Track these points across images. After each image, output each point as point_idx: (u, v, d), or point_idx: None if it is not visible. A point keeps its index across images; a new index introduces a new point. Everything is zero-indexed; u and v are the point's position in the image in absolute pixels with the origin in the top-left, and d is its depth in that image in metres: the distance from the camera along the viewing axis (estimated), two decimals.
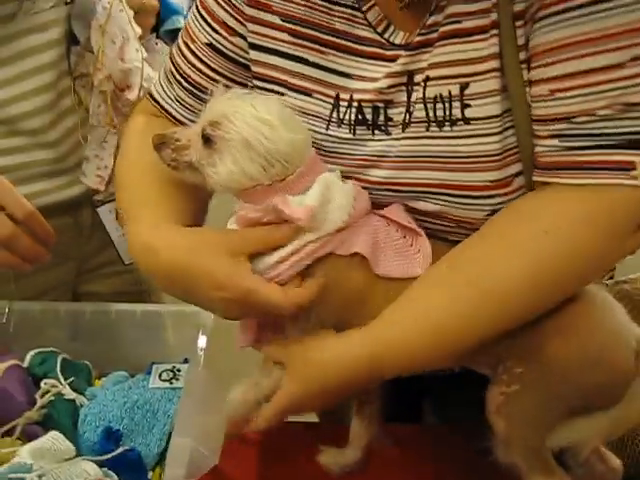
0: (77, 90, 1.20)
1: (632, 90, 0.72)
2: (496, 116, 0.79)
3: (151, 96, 1.02)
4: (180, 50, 0.97)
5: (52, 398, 0.92)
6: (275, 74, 0.89)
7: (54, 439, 0.80)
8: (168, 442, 0.89)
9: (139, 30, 1.18)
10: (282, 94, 0.89)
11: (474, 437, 0.93)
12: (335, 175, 0.84)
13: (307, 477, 0.94)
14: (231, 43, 0.92)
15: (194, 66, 0.95)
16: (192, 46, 0.95)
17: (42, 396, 0.91)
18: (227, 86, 0.89)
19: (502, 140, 0.79)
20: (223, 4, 0.91)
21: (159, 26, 1.44)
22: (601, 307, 0.81)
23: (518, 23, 0.75)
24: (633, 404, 0.80)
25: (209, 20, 0.93)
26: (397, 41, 0.83)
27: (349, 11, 0.85)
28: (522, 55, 0.76)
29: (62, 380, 0.94)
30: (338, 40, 0.86)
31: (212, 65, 0.94)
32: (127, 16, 1.18)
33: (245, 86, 0.93)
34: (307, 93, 0.88)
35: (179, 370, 0.97)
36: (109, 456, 0.80)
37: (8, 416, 0.87)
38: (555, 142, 0.76)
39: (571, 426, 0.80)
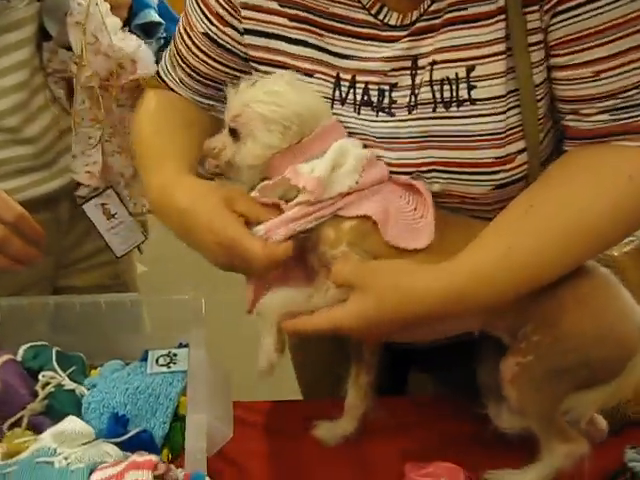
0: (50, 86, 1.20)
1: None
2: (501, 97, 0.84)
3: (159, 75, 1.09)
4: (181, 35, 1.03)
5: (52, 390, 0.92)
6: (276, 57, 0.93)
7: (74, 423, 0.81)
8: (172, 425, 0.92)
9: (119, 21, 1.18)
10: None
11: (464, 407, 0.99)
12: (352, 142, 0.88)
13: (308, 450, 0.97)
14: (224, 33, 0.97)
15: (193, 53, 1.01)
16: (191, 34, 1.00)
17: (43, 388, 0.92)
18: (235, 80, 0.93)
19: (506, 119, 0.85)
20: None
21: (130, 20, 1.46)
22: (613, 286, 0.87)
23: (528, 9, 0.81)
24: (628, 379, 0.85)
25: (205, 11, 0.97)
26: (392, 22, 0.88)
27: None
28: (531, 39, 0.82)
29: (60, 371, 0.95)
30: (335, 23, 0.90)
31: (209, 53, 0.99)
32: (104, 9, 1.18)
33: (242, 73, 0.98)
34: (308, 74, 0.92)
35: (175, 355, 0.98)
36: (124, 438, 0.82)
37: (12, 409, 0.88)
38: (605, 117, 0.83)
39: (573, 397, 0.85)
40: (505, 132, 0.85)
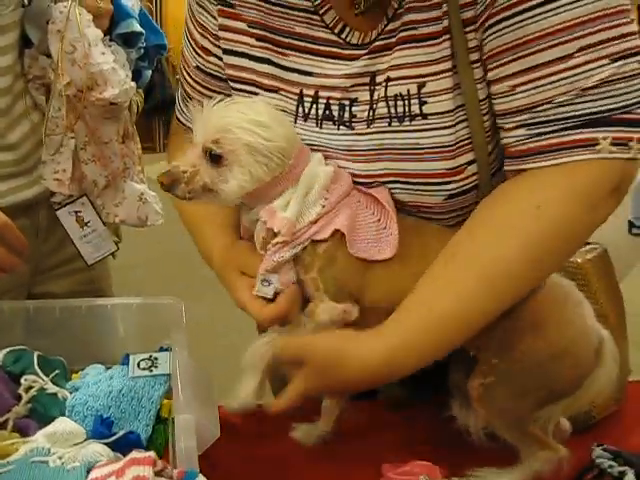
0: (31, 93, 1.20)
1: (583, 76, 0.81)
2: (449, 111, 0.89)
3: (176, 117, 1.13)
4: (182, 74, 1.09)
5: (35, 393, 0.93)
6: (246, 75, 0.98)
7: (65, 424, 0.81)
8: (154, 427, 0.93)
9: (100, 33, 1.19)
10: (256, 94, 0.97)
11: (436, 409, 1.02)
12: (318, 161, 0.91)
13: (289, 452, 0.99)
14: (209, 62, 1.02)
15: (193, 87, 1.07)
16: (188, 70, 1.07)
17: (26, 391, 0.92)
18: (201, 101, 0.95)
19: (455, 132, 0.89)
20: (200, 30, 1.01)
21: (112, 29, 1.47)
22: (571, 304, 0.89)
23: (468, 29, 0.86)
24: (586, 394, 0.89)
25: (193, 45, 1.04)
26: (353, 41, 0.92)
27: (307, 15, 0.93)
28: (473, 56, 0.87)
29: (42, 375, 0.95)
30: (298, 42, 0.94)
31: (203, 84, 1.05)
32: (86, 20, 1.19)
33: None
34: (274, 90, 0.96)
35: (156, 358, 1.00)
36: (113, 439, 0.83)
37: None
38: (522, 131, 0.85)
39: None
40: (455, 145, 0.89)
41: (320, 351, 0.87)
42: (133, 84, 1.31)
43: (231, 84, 0.99)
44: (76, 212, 1.30)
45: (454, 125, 0.89)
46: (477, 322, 0.84)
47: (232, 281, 0.94)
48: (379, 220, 0.91)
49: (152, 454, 0.67)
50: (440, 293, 0.85)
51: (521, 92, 0.84)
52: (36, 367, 0.97)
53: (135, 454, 0.68)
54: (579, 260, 1.04)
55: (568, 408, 0.91)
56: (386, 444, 1.01)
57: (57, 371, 0.96)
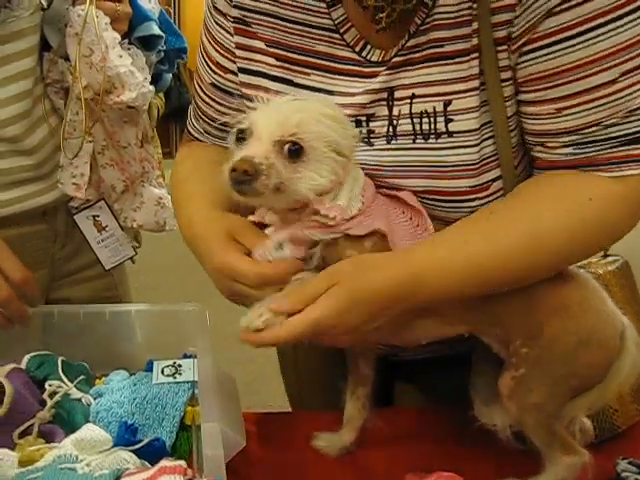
0: (50, 97, 1.21)
1: (628, 98, 0.82)
2: (476, 129, 0.88)
3: (188, 131, 1.13)
4: (196, 90, 1.08)
5: (59, 398, 0.93)
6: (263, 94, 0.94)
7: (92, 431, 0.81)
8: (178, 435, 0.93)
9: (118, 36, 1.19)
10: None
11: (458, 416, 1.02)
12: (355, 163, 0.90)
13: (311, 460, 0.99)
14: (226, 80, 1.01)
15: (207, 103, 1.06)
16: (202, 86, 1.06)
17: (50, 396, 0.92)
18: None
19: (480, 150, 0.88)
20: (216, 47, 1.01)
21: (130, 32, 1.47)
22: (592, 291, 0.90)
23: (500, 48, 0.85)
24: (612, 382, 0.88)
25: (208, 62, 1.03)
26: (374, 59, 0.92)
27: (328, 34, 0.93)
28: (503, 75, 0.86)
29: (66, 381, 0.95)
30: (319, 61, 0.94)
31: (218, 100, 1.04)
32: (104, 23, 1.19)
33: None
34: None
35: (180, 365, 1.00)
36: (139, 446, 0.83)
37: (22, 417, 0.88)
38: (569, 150, 0.86)
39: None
40: (480, 162, 0.89)
41: (350, 262, 0.84)
42: (152, 87, 1.30)
43: (247, 103, 0.95)
44: (94, 216, 1.30)
45: (480, 143, 0.88)
46: (503, 272, 0.85)
47: (218, 244, 0.88)
48: (411, 219, 0.90)
49: (182, 463, 0.67)
50: (479, 232, 0.86)
51: (568, 115, 0.85)
52: (60, 372, 0.97)
53: (165, 462, 0.68)
54: (600, 271, 1.03)
55: (594, 402, 0.91)
56: (409, 454, 1.01)
57: (82, 377, 0.96)
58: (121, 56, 1.18)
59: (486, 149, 0.89)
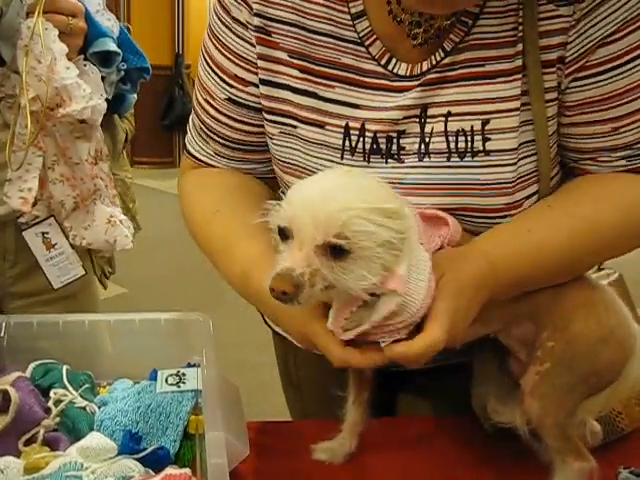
0: (2, 112, 1.20)
1: None
2: (513, 149, 0.89)
3: (190, 154, 1.07)
4: (203, 108, 1.03)
5: (64, 407, 0.93)
6: (287, 108, 0.95)
7: (97, 439, 0.82)
8: (182, 443, 0.93)
9: (66, 47, 1.19)
10: (294, 127, 0.95)
11: (461, 425, 1.03)
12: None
13: (312, 470, 0.99)
14: (247, 93, 0.98)
15: (221, 122, 1.01)
16: (214, 103, 1.01)
17: (55, 405, 0.93)
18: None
19: (517, 169, 0.90)
20: (233, 59, 0.97)
21: (86, 48, 1.46)
22: (610, 294, 0.94)
23: (547, 70, 0.87)
24: (625, 381, 0.92)
25: (222, 76, 0.99)
26: (401, 72, 0.91)
27: (353, 46, 0.92)
28: (547, 96, 0.88)
29: (71, 389, 0.96)
30: (345, 74, 0.92)
31: (237, 117, 1.00)
32: (52, 35, 1.18)
33: None
34: (319, 125, 0.94)
35: (184, 374, 1.00)
36: (143, 454, 0.83)
37: (27, 425, 0.89)
38: (622, 162, 0.92)
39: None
40: (515, 180, 0.90)
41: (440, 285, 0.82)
42: (102, 102, 1.28)
43: (266, 116, 0.97)
44: (43, 233, 1.28)
45: (516, 162, 0.90)
46: (572, 259, 0.89)
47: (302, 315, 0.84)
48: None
49: (188, 471, 0.67)
50: (539, 224, 0.88)
51: (624, 132, 0.89)
52: (65, 381, 0.97)
53: (170, 470, 0.68)
54: (604, 282, 1.04)
55: (606, 401, 0.94)
56: (411, 463, 1.01)
57: (87, 385, 0.97)
58: (68, 68, 1.18)
59: (522, 167, 0.90)
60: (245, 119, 1.00)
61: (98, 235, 1.35)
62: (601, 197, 0.91)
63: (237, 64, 0.97)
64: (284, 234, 0.78)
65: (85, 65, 1.28)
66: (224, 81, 0.99)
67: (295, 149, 0.96)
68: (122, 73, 1.42)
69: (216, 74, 0.99)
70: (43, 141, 1.26)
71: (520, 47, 0.86)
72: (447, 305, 0.80)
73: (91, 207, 1.35)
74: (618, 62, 0.86)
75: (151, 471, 0.81)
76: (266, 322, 1.22)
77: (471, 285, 0.82)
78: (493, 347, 1.00)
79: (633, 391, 1.02)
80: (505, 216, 0.91)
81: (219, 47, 0.98)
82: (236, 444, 0.84)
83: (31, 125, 1.19)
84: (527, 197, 0.92)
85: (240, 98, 0.99)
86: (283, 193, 0.86)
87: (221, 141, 1.03)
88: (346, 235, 0.74)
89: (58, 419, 0.92)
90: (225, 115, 1.01)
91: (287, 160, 0.97)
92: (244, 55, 0.96)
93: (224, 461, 0.76)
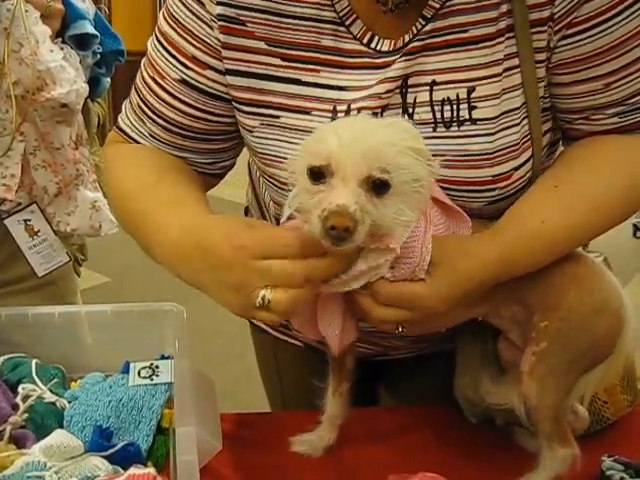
0: None
1: None
2: (496, 117, 0.87)
3: (121, 130, 1.02)
4: (148, 86, 0.98)
5: (32, 402, 0.90)
6: (267, 98, 0.91)
7: (62, 437, 0.79)
8: (155, 438, 0.91)
9: (49, 30, 1.15)
10: (276, 117, 0.91)
11: (440, 415, 1.01)
12: None
13: (291, 462, 0.97)
14: (204, 77, 0.94)
15: (167, 103, 0.96)
16: (162, 82, 0.96)
17: (23, 400, 0.90)
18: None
19: (504, 137, 0.87)
20: (191, 40, 0.93)
21: (64, 31, 1.43)
22: (600, 266, 0.93)
23: (535, 29, 0.84)
24: (619, 354, 0.91)
25: (177, 56, 0.94)
26: (384, 48, 0.89)
27: (333, 27, 0.89)
28: (539, 56, 0.86)
29: (40, 384, 0.93)
30: (327, 56, 0.89)
31: (187, 100, 0.96)
32: (34, 17, 1.15)
33: (222, 117, 0.96)
34: (305, 112, 0.90)
35: (157, 366, 0.97)
36: (112, 451, 0.81)
37: None
38: (615, 119, 0.91)
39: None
40: (504, 149, 0.88)
41: (444, 244, 0.83)
42: (85, 85, 1.26)
43: (242, 108, 0.93)
44: (25, 221, 1.26)
45: (503, 130, 0.88)
46: (579, 242, 0.91)
47: (240, 225, 0.81)
48: (444, 222, 0.87)
49: (152, 470, 0.65)
50: (551, 211, 0.88)
51: (615, 88, 0.88)
52: (34, 375, 0.94)
53: (134, 470, 0.66)
54: None
55: (601, 376, 0.93)
56: (392, 454, 1.00)
57: (56, 380, 0.94)
58: (52, 51, 1.15)
59: (510, 137, 0.88)
60: (195, 103, 0.96)
61: (83, 220, 1.33)
62: (605, 169, 0.91)
63: (196, 46, 0.93)
64: (318, 174, 0.76)
65: (63, 48, 1.25)
66: (179, 61, 0.94)
67: (279, 139, 0.92)
68: (98, 56, 1.40)
69: (170, 53, 0.95)
70: (23, 126, 1.22)
71: (504, 8, 0.84)
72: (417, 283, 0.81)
73: (73, 192, 1.33)
74: (603, 17, 0.84)
75: (120, 469, 0.78)
76: None
77: (466, 281, 0.83)
78: (476, 334, 0.99)
79: (617, 378, 1.01)
80: (493, 189, 0.88)
81: (175, 26, 0.94)
82: (208, 439, 0.81)
83: (14, 111, 1.17)
84: (517, 167, 0.89)
85: (195, 81, 0.94)
86: (273, 185, 0.83)
87: (162, 123, 0.98)
88: (389, 170, 0.74)
89: (26, 415, 0.89)
90: (173, 97, 0.96)
91: (270, 152, 0.93)
92: (203, 37, 0.92)
93: (194, 458, 0.74)
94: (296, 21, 0.89)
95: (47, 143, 1.25)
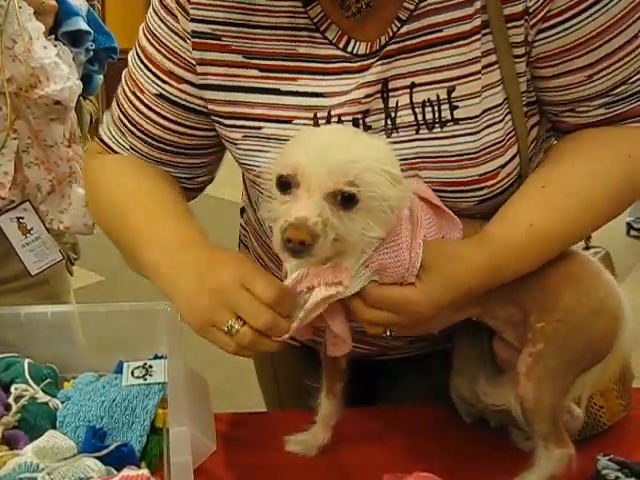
0: None
1: None
2: (477, 116, 0.86)
3: (102, 141, 1.02)
4: (128, 99, 0.98)
5: (25, 402, 0.90)
6: (247, 110, 0.91)
7: (55, 438, 0.79)
8: (148, 438, 0.90)
9: (42, 27, 1.15)
10: (259, 128, 0.90)
11: (436, 416, 1.00)
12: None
13: (285, 461, 0.96)
14: (180, 91, 0.94)
15: (146, 116, 0.96)
16: (142, 97, 0.96)
17: (16, 401, 0.89)
18: None
19: (487, 135, 0.86)
20: (166, 54, 0.93)
21: (57, 28, 1.43)
22: (596, 266, 0.92)
23: (511, 24, 0.83)
24: (616, 353, 0.90)
25: (155, 71, 0.94)
26: (361, 51, 0.88)
27: (308, 34, 0.88)
28: (517, 51, 0.85)
29: (33, 384, 0.92)
30: (304, 64, 0.89)
31: (165, 114, 0.95)
32: (27, 13, 1.14)
33: (200, 131, 0.96)
34: (287, 121, 0.90)
35: (151, 366, 0.97)
36: (104, 452, 0.80)
37: None
38: (601, 111, 0.89)
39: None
40: (488, 147, 0.87)
41: (435, 249, 0.81)
42: (79, 83, 1.26)
43: (224, 121, 0.92)
44: (18, 219, 1.25)
45: (486, 128, 0.87)
46: (570, 241, 0.89)
47: (225, 262, 0.82)
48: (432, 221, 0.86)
49: (145, 472, 0.65)
50: (538, 213, 0.87)
51: (598, 79, 0.87)
52: (27, 375, 0.94)
53: (127, 471, 0.65)
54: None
55: (599, 375, 0.92)
56: (386, 453, 0.99)
57: (48, 380, 0.93)
58: (45, 47, 1.14)
59: (494, 134, 0.87)
60: (174, 117, 0.96)
61: (76, 218, 1.32)
62: (595, 164, 0.89)
63: (172, 60, 0.93)
64: (285, 184, 0.75)
65: (56, 45, 1.24)
66: (157, 76, 0.94)
67: (262, 150, 0.91)
68: (91, 53, 1.39)
69: (148, 68, 0.95)
70: (16, 123, 1.22)
71: (478, 5, 0.83)
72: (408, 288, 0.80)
73: (67, 190, 1.32)
74: (578, 9, 0.83)
75: (113, 470, 0.78)
76: None
77: (457, 286, 0.82)
78: (473, 334, 0.98)
79: (613, 380, 1.00)
80: (481, 188, 0.88)
81: (153, 41, 0.94)
82: (202, 439, 0.81)
83: (5, 107, 1.16)
84: (503, 165, 0.88)
85: (172, 95, 0.94)
86: (261, 194, 0.85)
87: (142, 136, 0.98)
88: (357, 184, 0.73)
89: (19, 416, 0.88)
90: (153, 111, 0.96)
91: (255, 163, 0.92)
92: (178, 51, 0.92)
93: (188, 458, 0.73)
94: (271, 31, 0.89)
95: (40, 140, 1.24)
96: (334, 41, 0.88)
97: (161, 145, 0.98)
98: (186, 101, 0.94)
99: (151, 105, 0.96)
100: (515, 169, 0.90)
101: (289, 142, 0.80)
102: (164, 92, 0.94)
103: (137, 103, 0.97)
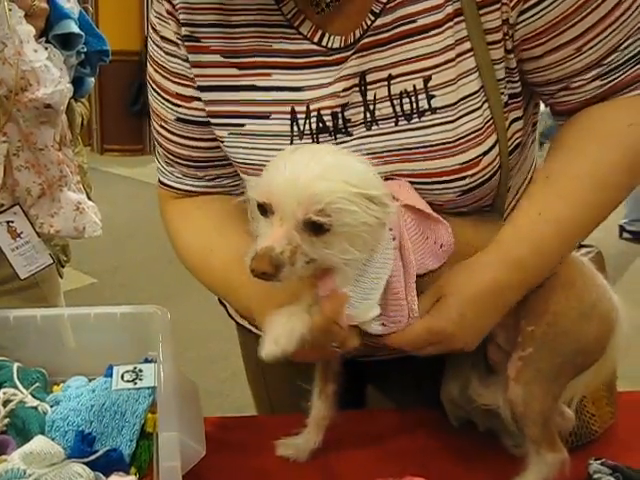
0: None
1: (634, 15, 0.85)
2: (454, 103, 0.86)
3: (163, 184, 1.05)
4: (160, 134, 1.02)
5: (14, 407, 0.89)
6: (230, 108, 0.93)
7: (43, 443, 0.78)
8: (138, 443, 0.90)
9: (33, 30, 1.14)
10: (241, 125, 0.93)
11: (427, 419, 1.00)
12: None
13: (276, 465, 0.96)
14: (191, 109, 0.97)
15: (177, 143, 1.00)
16: (167, 126, 1.00)
17: (4, 405, 0.89)
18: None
19: (466, 123, 0.86)
20: (172, 78, 0.96)
21: (48, 30, 1.42)
22: (589, 268, 0.92)
23: (483, 11, 0.83)
24: (610, 356, 0.90)
25: (166, 97, 0.98)
26: (335, 45, 0.89)
27: (282, 30, 0.90)
28: (491, 38, 0.85)
29: (22, 388, 0.92)
30: (278, 59, 0.91)
31: (189, 135, 0.99)
32: (18, 16, 1.14)
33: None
34: (265, 116, 0.92)
35: (141, 370, 0.96)
36: (93, 457, 0.80)
37: None
38: (596, 83, 0.88)
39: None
40: (468, 135, 0.87)
41: (454, 272, 0.86)
42: (69, 86, 1.26)
43: (212, 120, 0.95)
44: (8, 222, 1.25)
45: (464, 115, 0.87)
46: (584, 227, 0.89)
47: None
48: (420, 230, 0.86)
49: (133, 478, 0.63)
50: (546, 201, 0.87)
51: (588, 49, 0.86)
52: (15, 379, 0.93)
53: (115, 478, 0.64)
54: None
55: (593, 379, 0.93)
56: (378, 457, 0.99)
57: (37, 384, 0.92)
58: (36, 50, 1.14)
59: (473, 122, 0.87)
60: (196, 135, 0.99)
61: (66, 222, 1.32)
62: (597, 142, 0.89)
63: (176, 82, 0.96)
64: (264, 209, 0.78)
65: (47, 48, 1.24)
66: (169, 102, 0.98)
67: (247, 147, 0.94)
68: (82, 56, 1.39)
69: (161, 96, 0.99)
70: (6, 127, 1.21)
71: None
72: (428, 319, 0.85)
73: (57, 194, 1.31)
74: None
75: (102, 475, 0.77)
76: (230, 315, 1.19)
77: (481, 296, 0.85)
78: None
79: (604, 387, 1.00)
80: (464, 177, 0.87)
81: (157, 69, 0.98)
82: (192, 445, 0.80)
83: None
84: (484, 153, 0.88)
85: (187, 115, 0.97)
86: None
87: (183, 162, 1.01)
88: (328, 213, 0.74)
89: (7, 420, 0.88)
90: (178, 135, 1.00)
91: (242, 160, 0.95)
92: (180, 72, 0.95)
93: (177, 464, 0.73)
94: (246, 29, 0.91)
95: (30, 144, 1.24)
96: (308, 36, 0.90)
97: (201, 164, 1.01)
98: (201, 117, 0.97)
99: (175, 131, 0.99)
100: (497, 157, 0.89)
101: (267, 166, 0.81)
102: (180, 115, 0.98)
103: (165, 133, 1.01)
